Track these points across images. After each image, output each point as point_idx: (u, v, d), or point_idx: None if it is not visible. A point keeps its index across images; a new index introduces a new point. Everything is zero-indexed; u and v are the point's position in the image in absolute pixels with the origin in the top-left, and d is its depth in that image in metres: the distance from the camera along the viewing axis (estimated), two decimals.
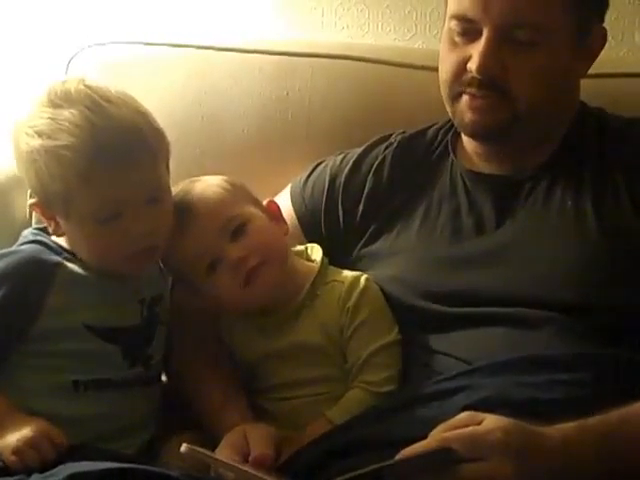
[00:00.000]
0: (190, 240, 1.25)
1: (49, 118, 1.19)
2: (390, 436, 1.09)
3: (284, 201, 1.40)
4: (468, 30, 1.25)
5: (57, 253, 1.24)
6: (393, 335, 1.27)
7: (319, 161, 1.46)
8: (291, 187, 1.46)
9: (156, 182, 1.23)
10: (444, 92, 1.31)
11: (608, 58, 1.61)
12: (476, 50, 1.23)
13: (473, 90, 1.26)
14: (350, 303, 1.27)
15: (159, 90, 1.59)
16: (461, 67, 1.26)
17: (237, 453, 1.14)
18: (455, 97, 1.29)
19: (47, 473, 1.06)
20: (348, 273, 1.31)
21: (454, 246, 1.31)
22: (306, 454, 1.14)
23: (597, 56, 1.31)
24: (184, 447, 1.04)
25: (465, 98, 1.27)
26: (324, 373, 1.27)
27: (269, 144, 1.60)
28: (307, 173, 1.45)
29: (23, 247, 1.25)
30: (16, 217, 1.55)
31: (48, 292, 1.21)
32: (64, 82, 1.23)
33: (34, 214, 1.51)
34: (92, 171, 1.17)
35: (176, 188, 1.28)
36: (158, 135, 1.23)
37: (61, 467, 1.06)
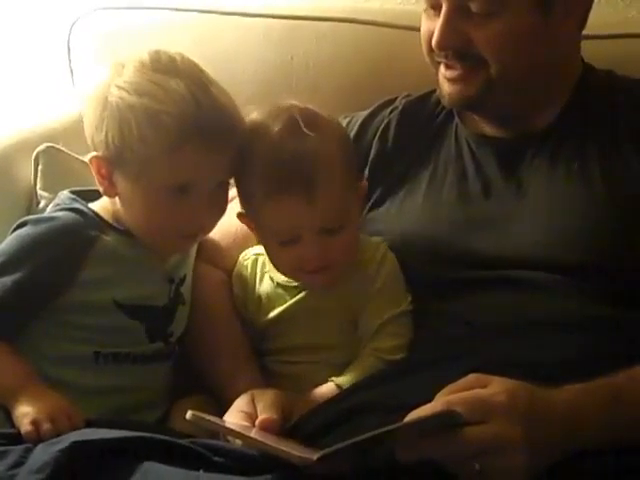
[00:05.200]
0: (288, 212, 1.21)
1: (153, 82, 1.18)
2: (396, 399, 1.08)
3: None
4: (434, 4, 1.26)
5: (95, 225, 1.23)
6: (406, 304, 1.26)
7: None
8: None
9: (229, 168, 1.23)
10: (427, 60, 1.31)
11: (617, 20, 1.59)
12: (437, 25, 1.24)
13: (444, 60, 1.27)
14: (367, 271, 1.26)
15: None
16: (430, 39, 1.27)
17: (245, 418, 1.13)
18: (434, 65, 1.30)
19: (53, 440, 1.06)
20: (367, 240, 1.29)
21: (461, 209, 1.30)
22: (314, 417, 1.13)
23: (583, 14, 1.28)
24: (189, 414, 1.03)
25: (442, 68, 1.28)
26: (335, 340, 1.26)
27: None
28: None
29: (61, 215, 1.23)
30: (19, 183, 1.54)
31: (82, 266, 1.20)
32: (167, 52, 1.22)
33: (39, 178, 1.51)
34: (184, 145, 1.17)
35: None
36: (243, 126, 1.22)
37: (67, 435, 1.06)
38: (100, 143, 1.20)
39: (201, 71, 1.22)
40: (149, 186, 1.19)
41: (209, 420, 1.05)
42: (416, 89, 1.44)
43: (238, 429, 1.06)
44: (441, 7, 1.24)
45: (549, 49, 1.26)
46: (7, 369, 1.18)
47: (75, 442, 1.02)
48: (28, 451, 1.06)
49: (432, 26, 1.27)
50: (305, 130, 1.19)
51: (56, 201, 1.28)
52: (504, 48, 1.23)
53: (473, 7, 1.22)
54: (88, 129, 1.22)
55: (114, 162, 1.20)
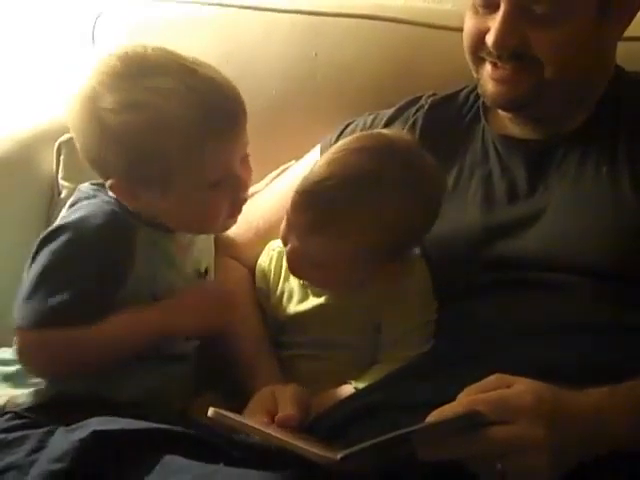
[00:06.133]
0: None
1: (141, 89, 1.10)
2: (418, 398, 1.08)
3: (313, 161, 1.38)
4: (488, 3, 1.23)
5: (133, 217, 1.18)
6: (432, 313, 1.25)
7: (349, 121, 1.43)
8: (321, 147, 1.43)
9: (247, 139, 1.19)
10: (467, 57, 1.29)
11: None
12: (494, 24, 1.22)
13: (494, 59, 1.25)
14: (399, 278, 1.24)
15: (187, 50, 1.55)
16: (480, 37, 1.25)
17: (265, 413, 1.13)
18: (477, 63, 1.27)
19: (73, 426, 1.05)
20: None
21: (486, 212, 1.29)
22: (332, 415, 1.13)
23: (631, 17, 1.26)
24: (211, 411, 1.02)
25: (487, 66, 1.26)
26: (355, 340, 1.25)
27: (298, 105, 1.58)
28: (337, 133, 1.42)
29: (99, 213, 1.15)
30: (42, 173, 1.53)
31: (134, 260, 1.16)
32: (128, 50, 1.14)
33: (61, 168, 1.50)
34: (205, 139, 1.12)
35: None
36: (239, 94, 1.18)
37: (87, 422, 1.06)
38: (111, 168, 1.14)
39: (177, 56, 1.15)
40: (181, 191, 1.15)
41: (230, 417, 1.04)
42: (440, 87, 1.43)
43: (258, 426, 1.05)
44: (496, 6, 1.21)
45: (598, 52, 1.25)
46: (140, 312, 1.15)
47: (95, 431, 1.02)
48: (48, 434, 1.06)
49: (480, 24, 1.24)
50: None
51: (77, 194, 1.23)
52: (565, 51, 1.21)
53: (538, 9, 1.20)
54: (90, 155, 1.15)
55: (133, 180, 1.14)
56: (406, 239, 1.23)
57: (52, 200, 1.50)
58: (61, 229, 1.15)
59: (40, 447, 1.04)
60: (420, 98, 1.42)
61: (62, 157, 1.52)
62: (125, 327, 1.14)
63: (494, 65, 1.25)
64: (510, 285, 1.22)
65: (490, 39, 1.22)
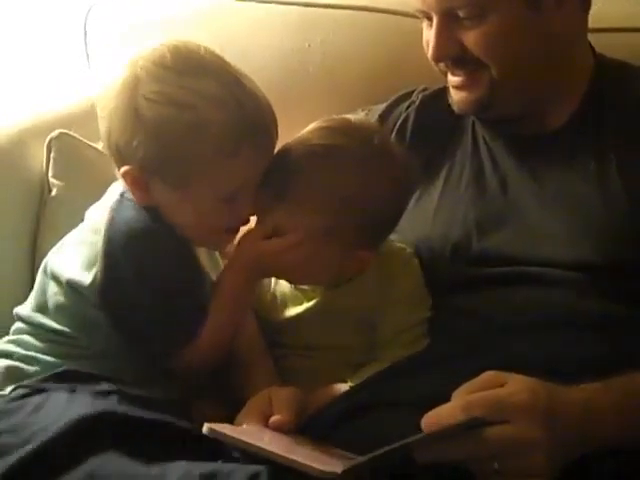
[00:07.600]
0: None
1: (186, 88, 1.09)
2: (409, 395, 1.08)
3: None
4: (427, 15, 1.26)
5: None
6: (426, 311, 1.24)
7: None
8: None
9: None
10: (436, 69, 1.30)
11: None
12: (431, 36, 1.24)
13: (446, 69, 1.27)
14: (389, 276, 1.24)
15: None
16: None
17: (260, 416, 1.11)
18: (443, 73, 1.29)
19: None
20: (392, 244, 1.27)
21: (478, 207, 1.28)
22: (325, 413, 1.12)
23: (579, 3, 1.25)
24: (206, 428, 1.01)
25: (448, 75, 1.28)
26: (350, 341, 1.24)
27: (289, 97, 1.58)
28: None
29: (150, 222, 1.14)
30: (33, 169, 1.51)
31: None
32: (180, 45, 1.13)
33: (51, 165, 1.49)
34: (238, 149, 1.11)
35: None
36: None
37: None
38: (132, 155, 1.12)
39: (226, 62, 1.15)
40: (198, 195, 1.13)
41: (225, 433, 1.02)
42: (433, 79, 1.41)
43: (254, 442, 1.02)
44: (431, 19, 1.23)
45: (546, 42, 1.24)
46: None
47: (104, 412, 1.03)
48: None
49: (429, 36, 1.26)
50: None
51: (117, 198, 1.18)
52: (496, 48, 1.22)
53: (461, 13, 1.21)
54: (113, 139, 1.13)
55: (151, 172, 1.12)
56: (373, 223, 1.21)
57: (42, 198, 1.48)
58: (132, 245, 1.14)
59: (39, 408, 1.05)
60: (412, 93, 1.42)
61: (52, 154, 1.50)
62: (227, 298, 1.17)
63: (452, 73, 1.27)
64: (506, 280, 1.22)
65: (429, 52, 1.25)
